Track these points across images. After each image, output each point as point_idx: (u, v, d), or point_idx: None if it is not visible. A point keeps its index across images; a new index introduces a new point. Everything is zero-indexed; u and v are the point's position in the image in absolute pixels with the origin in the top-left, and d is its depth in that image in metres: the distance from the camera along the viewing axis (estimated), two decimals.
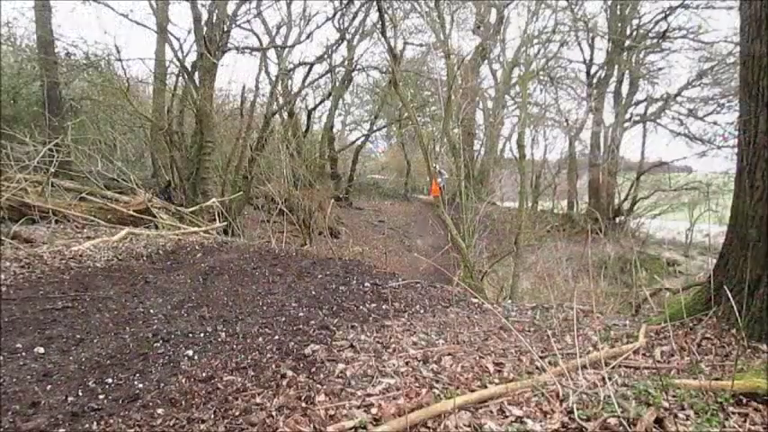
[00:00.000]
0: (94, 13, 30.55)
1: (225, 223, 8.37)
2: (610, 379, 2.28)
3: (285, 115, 13.86)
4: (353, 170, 17.95)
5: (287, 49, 13.46)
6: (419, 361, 2.60)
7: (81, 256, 4.78)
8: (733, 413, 1.97)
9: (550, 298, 5.30)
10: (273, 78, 12.76)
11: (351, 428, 1.86)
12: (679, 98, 16.78)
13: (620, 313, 5.07)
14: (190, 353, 2.72)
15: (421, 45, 17.27)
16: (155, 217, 6.99)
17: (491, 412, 2.00)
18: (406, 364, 2.56)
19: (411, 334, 3.13)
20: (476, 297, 4.35)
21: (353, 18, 13.79)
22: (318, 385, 2.27)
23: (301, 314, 3.44)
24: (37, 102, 10.29)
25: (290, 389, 2.25)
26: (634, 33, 16.52)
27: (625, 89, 17.91)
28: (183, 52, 10.43)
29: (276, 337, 2.98)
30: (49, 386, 2.30)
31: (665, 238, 15.60)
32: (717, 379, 2.23)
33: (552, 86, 16.76)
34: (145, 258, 4.98)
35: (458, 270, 8.37)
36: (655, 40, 16.32)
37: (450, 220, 8.16)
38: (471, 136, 18.88)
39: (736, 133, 3.09)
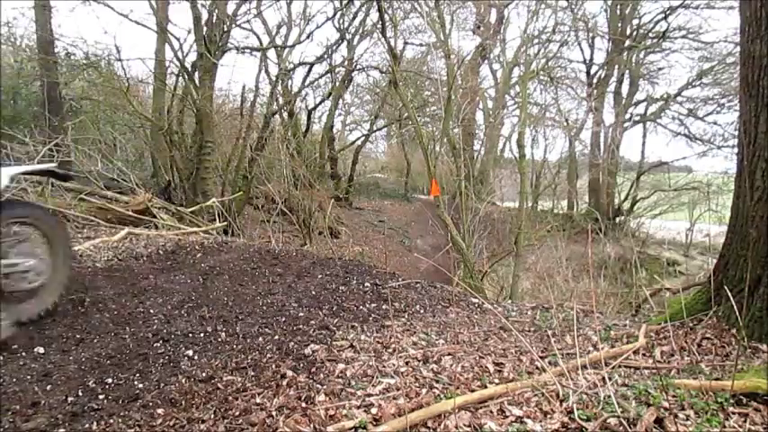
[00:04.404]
0: (94, 13, 30.55)
1: (225, 223, 8.37)
2: (610, 379, 2.28)
3: (285, 115, 13.85)
4: (353, 170, 17.92)
5: (287, 49, 13.44)
6: (419, 361, 2.60)
7: (81, 256, 4.77)
8: (733, 413, 1.97)
9: (550, 298, 5.31)
10: (273, 78, 12.74)
11: (351, 428, 1.86)
12: (679, 98, 16.80)
13: (620, 313, 5.07)
14: (190, 353, 2.72)
15: (421, 45, 17.24)
16: (155, 217, 6.98)
17: (491, 412, 2.00)
18: (406, 364, 2.56)
19: (411, 334, 3.13)
20: (476, 297, 4.36)
21: (353, 18, 13.77)
22: (318, 385, 2.27)
23: (301, 314, 3.44)
24: (37, 102, 10.29)
25: (290, 389, 2.25)
26: (634, 33, 16.51)
27: (625, 89, 17.94)
28: (183, 52, 10.41)
29: (276, 337, 2.98)
30: (49, 386, 2.30)
31: (665, 238, 15.59)
32: (717, 379, 2.23)
33: (552, 86, 16.73)
34: (145, 258, 4.98)
35: (458, 270, 8.38)
36: (655, 40, 16.32)
37: (451, 221, 8.17)
38: (471, 136, 18.85)
39: (736, 133, 3.10)
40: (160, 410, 2.09)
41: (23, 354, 2.64)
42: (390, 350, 2.79)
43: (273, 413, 2.01)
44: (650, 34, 16.29)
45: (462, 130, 13.03)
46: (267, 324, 3.22)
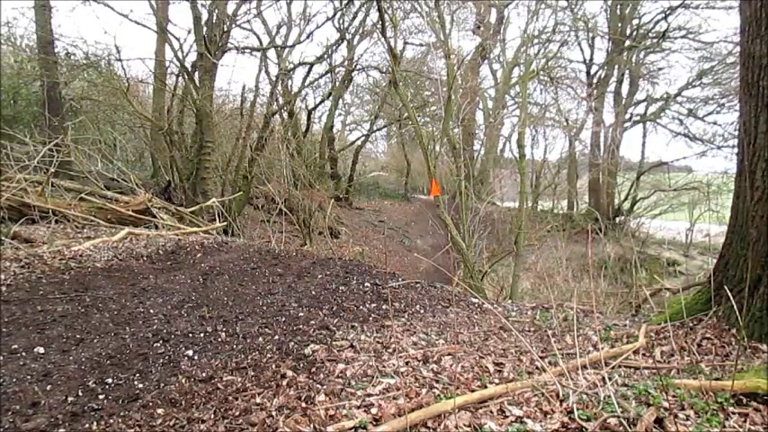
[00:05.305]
0: (94, 13, 30.64)
1: (225, 223, 8.37)
2: (610, 379, 2.28)
3: (285, 115, 13.85)
4: (353, 170, 17.93)
5: (287, 49, 13.45)
6: (419, 361, 2.60)
7: (81, 256, 4.78)
8: (733, 413, 1.97)
9: (550, 298, 5.30)
10: (273, 78, 12.74)
11: (351, 428, 1.86)
12: (679, 98, 16.79)
13: (620, 313, 5.06)
14: (190, 353, 2.72)
15: (421, 45, 17.26)
16: (155, 217, 6.98)
17: (491, 412, 2.00)
18: (406, 364, 2.56)
19: (411, 334, 3.13)
20: (476, 297, 4.36)
21: (353, 18, 13.78)
22: (318, 385, 2.27)
23: (301, 314, 3.44)
24: (37, 102, 10.28)
25: (290, 389, 2.25)
26: (634, 33, 16.51)
27: (625, 89, 17.94)
28: (183, 52, 10.42)
29: (276, 337, 2.98)
30: (49, 386, 2.30)
31: (665, 238, 15.59)
32: (717, 379, 2.23)
33: (552, 86, 16.73)
34: (145, 258, 4.98)
35: (458, 270, 8.38)
36: (655, 40, 16.32)
37: (451, 220, 8.16)
38: (471, 136, 18.87)
39: (736, 133, 3.11)
40: (160, 410, 2.09)
41: (23, 354, 2.64)
42: (390, 350, 2.79)
43: (273, 413, 2.01)
44: (650, 34, 16.29)
45: (462, 130, 13.03)
46: (267, 324, 3.22)
